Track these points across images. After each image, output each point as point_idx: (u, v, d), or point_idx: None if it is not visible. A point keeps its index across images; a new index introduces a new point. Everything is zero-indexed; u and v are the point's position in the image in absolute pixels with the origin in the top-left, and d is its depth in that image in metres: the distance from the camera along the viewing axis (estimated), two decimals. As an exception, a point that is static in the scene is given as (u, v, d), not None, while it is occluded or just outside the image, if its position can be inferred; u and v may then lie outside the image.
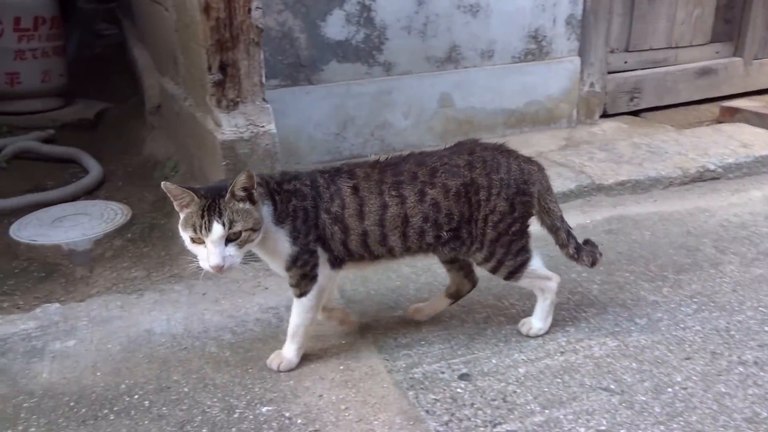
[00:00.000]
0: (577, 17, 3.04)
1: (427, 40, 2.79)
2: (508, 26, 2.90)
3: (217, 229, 1.27)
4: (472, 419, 1.35)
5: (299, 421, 1.36)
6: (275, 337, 1.64)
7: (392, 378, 1.48)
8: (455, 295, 1.68)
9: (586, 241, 1.65)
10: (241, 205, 1.30)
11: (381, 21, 2.68)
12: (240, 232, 1.29)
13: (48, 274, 2.10)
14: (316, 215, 1.42)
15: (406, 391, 1.44)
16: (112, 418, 1.40)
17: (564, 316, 1.70)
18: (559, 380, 1.46)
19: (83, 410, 1.42)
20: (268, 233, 1.38)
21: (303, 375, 1.50)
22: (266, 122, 2.10)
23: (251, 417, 1.38)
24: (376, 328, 1.68)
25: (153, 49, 3.58)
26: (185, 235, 1.32)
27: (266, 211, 1.37)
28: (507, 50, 2.95)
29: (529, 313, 1.66)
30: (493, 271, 1.55)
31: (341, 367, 1.53)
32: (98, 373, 1.55)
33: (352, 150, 2.78)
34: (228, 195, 1.29)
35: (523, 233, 1.53)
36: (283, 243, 1.40)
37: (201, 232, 1.27)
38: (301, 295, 1.47)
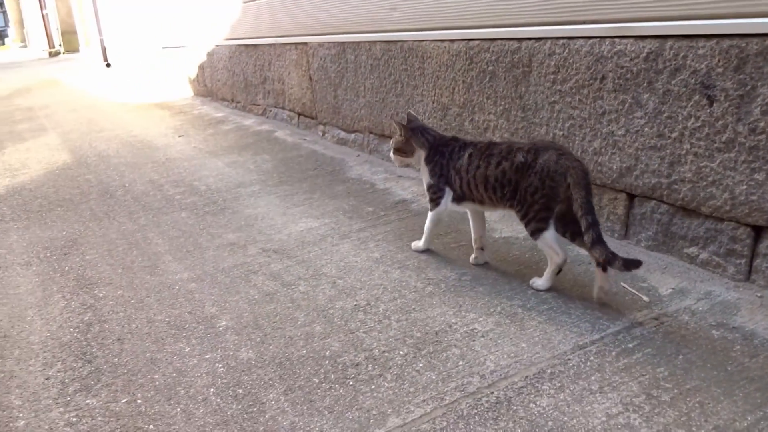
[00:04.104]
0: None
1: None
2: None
3: (391, 143, 2.32)
4: None
5: None
6: None
7: None
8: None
9: (620, 259, 1.77)
10: (397, 137, 2.28)
11: None
12: (392, 148, 2.30)
13: None
14: (448, 168, 2.16)
15: None
16: None
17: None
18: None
19: None
20: (422, 165, 2.25)
21: None
22: None
23: None
24: None
25: None
26: None
27: (422, 153, 2.25)
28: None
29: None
30: (525, 226, 1.98)
31: None
32: None
33: None
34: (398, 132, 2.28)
35: (546, 206, 1.90)
36: (426, 174, 2.24)
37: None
38: (431, 210, 2.27)
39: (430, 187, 2.23)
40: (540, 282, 2.05)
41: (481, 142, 2.13)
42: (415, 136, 2.25)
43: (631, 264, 1.77)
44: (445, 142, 2.21)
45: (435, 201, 2.23)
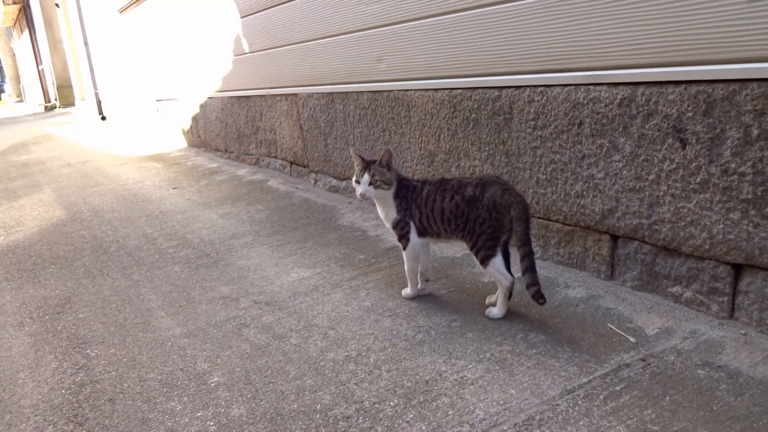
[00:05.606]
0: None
1: None
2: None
3: (366, 178, 2.23)
4: None
5: None
6: None
7: None
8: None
9: (536, 287, 2.04)
10: (381, 168, 2.24)
11: None
12: (377, 181, 2.24)
13: None
14: (411, 202, 2.27)
15: None
16: None
17: None
18: None
19: None
20: (390, 200, 2.30)
21: None
22: None
23: None
24: None
25: None
26: (354, 179, 2.30)
27: (394, 187, 2.27)
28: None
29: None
30: (475, 255, 2.15)
31: None
32: None
33: None
34: (377, 163, 2.24)
35: (493, 236, 2.10)
36: (393, 209, 2.30)
37: (360, 177, 2.25)
38: (403, 248, 2.34)
39: (397, 223, 2.30)
40: (495, 311, 2.22)
41: (433, 178, 2.29)
42: (394, 169, 2.31)
43: (537, 297, 2.04)
44: (404, 177, 2.33)
45: (405, 237, 2.31)
